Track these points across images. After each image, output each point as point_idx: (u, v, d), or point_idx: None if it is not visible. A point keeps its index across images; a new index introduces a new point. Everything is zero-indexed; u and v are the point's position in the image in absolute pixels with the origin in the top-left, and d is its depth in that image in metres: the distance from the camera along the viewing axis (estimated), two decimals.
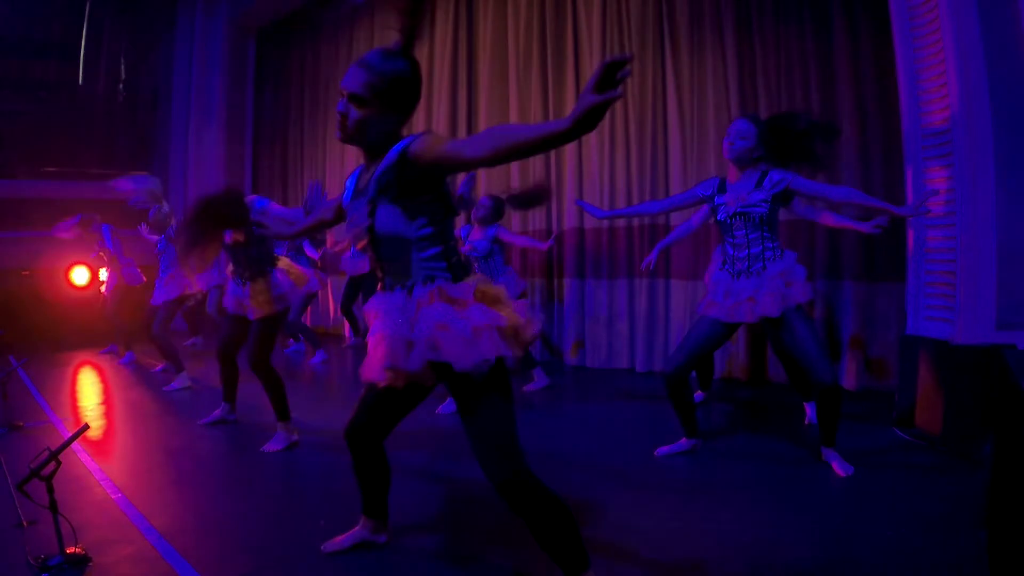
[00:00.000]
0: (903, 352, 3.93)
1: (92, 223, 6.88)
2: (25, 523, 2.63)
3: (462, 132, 7.14)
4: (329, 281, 8.73)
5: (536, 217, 6.52)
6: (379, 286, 2.05)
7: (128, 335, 7.09)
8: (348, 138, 1.95)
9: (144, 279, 6.90)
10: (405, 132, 1.97)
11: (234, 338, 4.10)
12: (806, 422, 4.08)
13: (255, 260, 3.89)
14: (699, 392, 4.60)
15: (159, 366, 6.27)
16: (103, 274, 7.52)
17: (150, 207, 5.60)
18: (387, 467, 2.38)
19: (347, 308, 6.99)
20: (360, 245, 2.02)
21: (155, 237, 6.04)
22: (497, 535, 2.57)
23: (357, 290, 6.88)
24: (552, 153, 6.40)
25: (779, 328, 3.19)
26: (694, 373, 4.61)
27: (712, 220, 3.41)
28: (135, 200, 5.15)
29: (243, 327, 4.00)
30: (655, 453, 3.49)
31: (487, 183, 6.58)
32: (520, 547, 2.39)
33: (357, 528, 2.46)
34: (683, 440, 3.52)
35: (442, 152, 1.76)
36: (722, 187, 3.30)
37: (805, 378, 3.91)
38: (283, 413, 3.81)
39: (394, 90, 1.89)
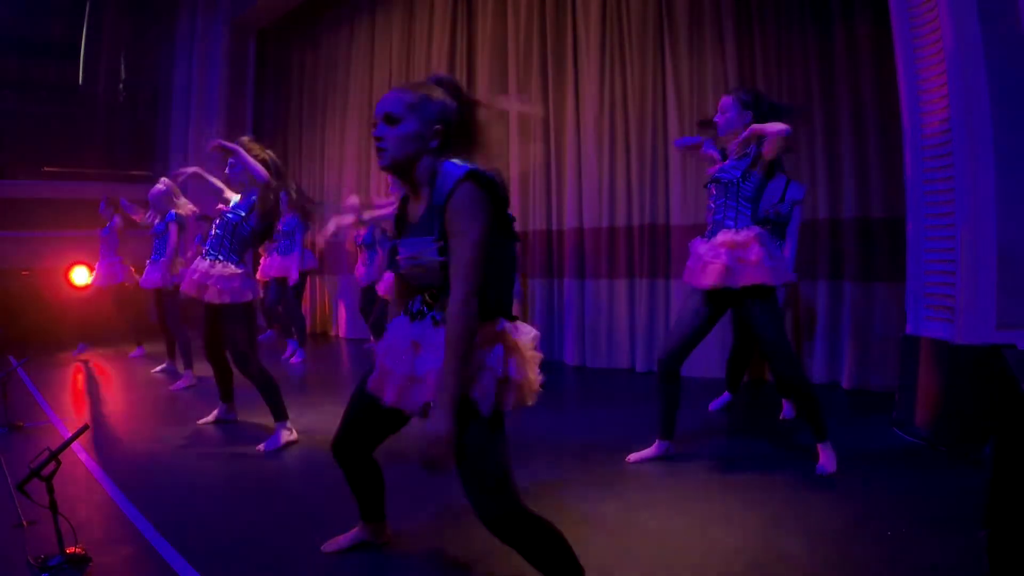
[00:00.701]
0: (903, 352, 3.93)
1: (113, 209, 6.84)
2: (25, 523, 2.63)
3: None
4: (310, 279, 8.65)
5: (536, 217, 6.52)
6: (412, 309, 1.90)
7: (135, 330, 7.13)
8: (388, 163, 1.83)
9: (136, 279, 6.89)
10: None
11: (214, 331, 4.02)
12: (781, 416, 4.15)
13: (242, 241, 3.91)
14: (726, 393, 4.48)
15: (160, 366, 6.26)
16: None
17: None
18: (379, 474, 2.35)
19: (367, 313, 6.76)
20: (407, 274, 1.90)
21: (154, 218, 5.94)
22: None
23: (374, 297, 6.53)
24: (552, 152, 6.41)
25: (744, 309, 3.18)
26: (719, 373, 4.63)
27: None
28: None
29: (216, 317, 3.93)
30: (627, 459, 3.40)
31: None
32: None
33: (356, 529, 2.46)
34: (656, 443, 3.41)
35: (450, 238, 1.75)
36: (724, 155, 3.33)
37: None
38: (279, 413, 3.80)
39: (427, 106, 1.82)
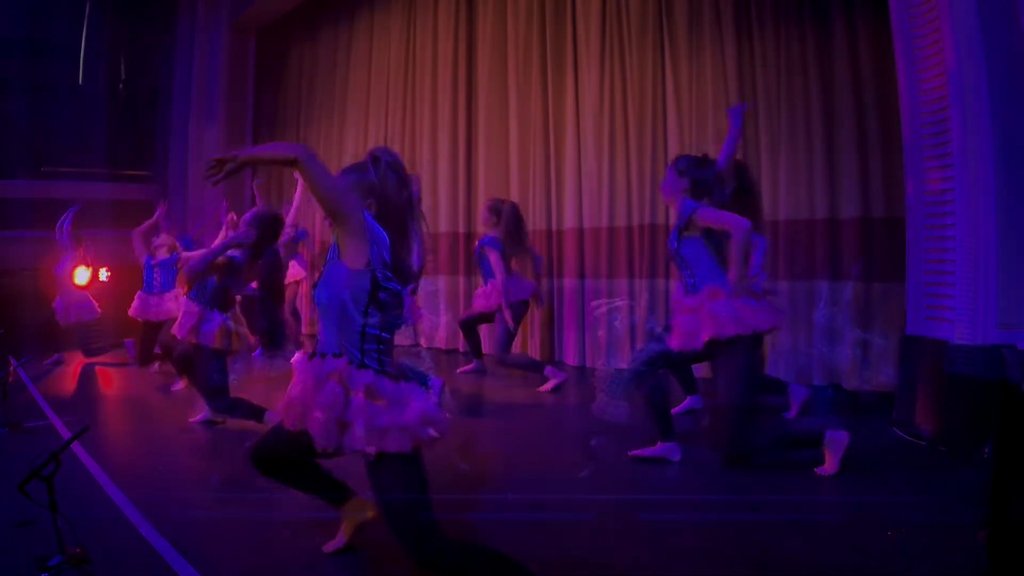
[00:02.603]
0: (903, 352, 3.93)
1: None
2: (25, 523, 2.63)
3: (461, 132, 7.13)
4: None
5: (536, 218, 6.52)
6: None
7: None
8: None
9: (98, 312, 6.81)
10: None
11: (185, 351, 4.37)
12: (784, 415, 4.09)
13: (209, 291, 4.13)
14: (690, 397, 4.38)
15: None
16: (103, 274, 7.49)
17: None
18: (305, 466, 2.37)
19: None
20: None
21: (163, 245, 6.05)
22: (495, 533, 2.57)
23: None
24: (552, 152, 6.41)
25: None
26: (671, 379, 4.56)
27: None
28: None
29: (192, 351, 4.20)
30: (628, 454, 3.41)
31: (485, 189, 6.65)
32: (518, 545, 2.39)
33: (343, 523, 2.46)
34: (659, 444, 3.39)
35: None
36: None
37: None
38: (259, 418, 3.90)
39: (360, 187, 2.21)
